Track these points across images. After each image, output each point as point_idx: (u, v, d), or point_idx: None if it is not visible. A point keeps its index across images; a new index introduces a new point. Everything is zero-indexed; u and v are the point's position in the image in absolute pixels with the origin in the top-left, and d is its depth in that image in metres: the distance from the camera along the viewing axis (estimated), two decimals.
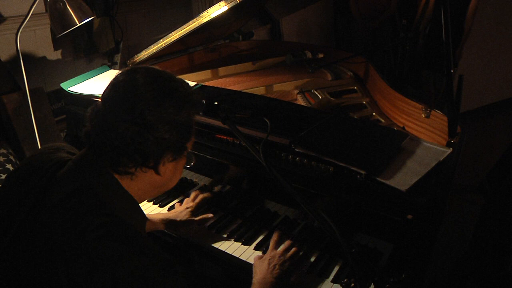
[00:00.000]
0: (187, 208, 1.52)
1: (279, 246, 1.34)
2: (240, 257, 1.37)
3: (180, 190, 1.67)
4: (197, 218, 1.48)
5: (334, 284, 1.26)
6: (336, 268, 1.31)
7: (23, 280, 0.88)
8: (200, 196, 1.55)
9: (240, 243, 1.42)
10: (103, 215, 0.89)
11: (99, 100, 0.96)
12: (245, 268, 1.32)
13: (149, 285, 0.83)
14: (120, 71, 0.99)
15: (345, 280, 1.25)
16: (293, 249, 1.31)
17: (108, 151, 0.92)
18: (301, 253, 1.35)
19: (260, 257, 1.30)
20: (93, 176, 0.94)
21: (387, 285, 1.07)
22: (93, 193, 0.92)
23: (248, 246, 1.41)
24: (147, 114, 0.90)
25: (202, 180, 1.67)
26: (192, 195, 1.57)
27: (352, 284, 1.11)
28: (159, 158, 0.95)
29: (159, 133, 0.92)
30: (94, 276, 0.82)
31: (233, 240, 1.44)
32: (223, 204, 1.59)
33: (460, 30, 3.23)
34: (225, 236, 1.46)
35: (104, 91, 0.96)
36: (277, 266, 1.24)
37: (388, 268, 1.21)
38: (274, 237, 1.36)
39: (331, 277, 1.28)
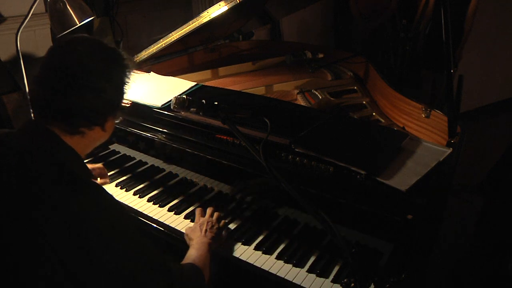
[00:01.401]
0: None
1: (204, 215, 1.48)
2: (240, 257, 1.37)
3: (180, 191, 1.67)
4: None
5: (334, 284, 1.26)
6: (336, 268, 1.31)
7: None
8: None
9: (240, 243, 1.42)
10: (55, 164, 0.99)
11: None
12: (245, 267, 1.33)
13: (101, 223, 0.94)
14: (58, 42, 1.08)
15: (345, 280, 1.24)
16: (216, 214, 1.48)
17: (61, 115, 1.01)
18: (227, 220, 1.50)
19: (190, 227, 1.44)
20: (40, 138, 1.02)
21: (387, 285, 1.06)
22: (42, 152, 1.00)
23: (248, 246, 1.41)
24: (98, 81, 1.02)
25: (202, 180, 1.67)
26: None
27: (352, 284, 1.11)
28: (107, 116, 1.08)
29: (109, 95, 1.04)
30: (55, 217, 0.91)
31: (232, 240, 1.44)
32: (222, 205, 1.59)
33: (460, 30, 3.23)
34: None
35: (47, 61, 1.04)
36: (208, 230, 1.39)
37: (388, 268, 1.21)
38: (198, 209, 1.51)
39: (331, 277, 1.28)
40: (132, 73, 1.12)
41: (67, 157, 1.03)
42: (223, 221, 1.48)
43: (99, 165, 1.77)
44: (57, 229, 0.91)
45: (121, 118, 1.40)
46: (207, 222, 1.43)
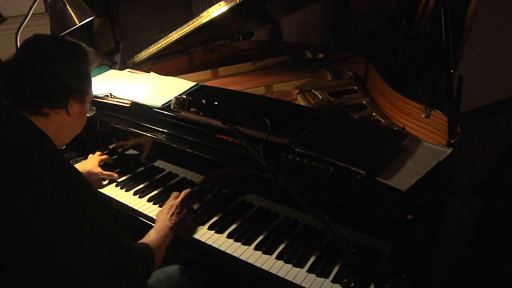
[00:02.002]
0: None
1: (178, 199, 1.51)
2: (240, 257, 1.37)
3: (180, 191, 1.67)
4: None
5: (334, 284, 1.26)
6: (336, 268, 1.31)
7: None
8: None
9: (240, 243, 1.42)
10: (25, 142, 1.13)
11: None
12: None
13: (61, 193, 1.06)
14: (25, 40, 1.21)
15: (345, 280, 1.24)
16: (183, 196, 1.52)
17: (25, 98, 1.15)
18: (196, 206, 1.54)
19: (161, 209, 1.51)
20: (11, 122, 1.17)
21: (387, 285, 1.06)
22: (13, 132, 1.15)
23: (248, 246, 1.41)
24: (57, 67, 1.16)
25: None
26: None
27: (352, 284, 1.11)
28: (68, 99, 1.19)
29: (66, 80, 1.17)
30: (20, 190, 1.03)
31: (232, 240, 1.44)
32: (222, 205, 1.59)
33: (460, 30, 3.23)
34: (225, 236, 1.46)
35: (17, 56, 1.21)
36: (175, 214, 1.45)
37: (388, 268, 1.21)
38: (173, 193, 1.55)
39: (331, 277, 1.28)
40: (91, 63, 1.26)
41: (35, 136, 1.16)
42: (193, 207, 1.52)
43: (98, 169, 1.76)
44: (25, 200, 1.03)
45: (94, 111, 1.51)
46: (176, 206, 1.47)
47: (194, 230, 1.48)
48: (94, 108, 1.51)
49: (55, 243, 1.05)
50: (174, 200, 1.51)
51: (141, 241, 1.33)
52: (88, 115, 1.35)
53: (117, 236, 1.17)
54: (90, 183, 1.25)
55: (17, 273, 1.05)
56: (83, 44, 1.28)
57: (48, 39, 1.23)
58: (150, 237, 1.36)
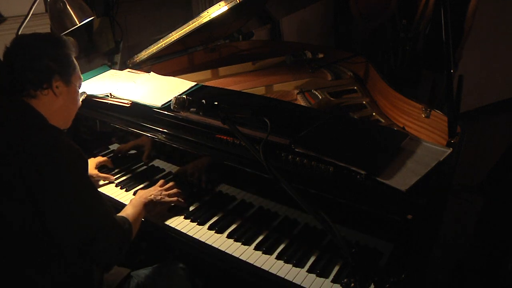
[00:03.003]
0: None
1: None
2: (240, 257, 1.37)
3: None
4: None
5: (334, 284, 1.26)
6: (336, 268, 1.31)
7: None
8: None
9: (240, 243, 1.42)
10: (23, 115, 1.26)
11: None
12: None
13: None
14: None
15: (345, 280, 1.24)
16: (173, 190, 1.61)
17: (13, 83, 1.28)
18: (177, 198, 1.58)
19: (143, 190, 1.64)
20: (6, 103, 1.29)
21: (387, 285, 1.06)
22: (10, 110, 1.27)
23: (248, 246, 1.41)
24: (36, 52, 1.29)
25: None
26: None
27: (352, 284, 1.11)
28: (50, 79, 1.30)
29: (45, 62, 1.29)
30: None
31: (232, 240, 1.44)
32: (222, 205, 1.59)
33: (460, 30, 3.23)
34: (225, 236, 1.46)
35: (5, 52, 1.33)
36: (153, 195, 1.55)
37: (388, 268, 1.21)
38: (161, 180, 1.66)
39: (331, 277, 1.28)
40: (69, 48, 1.37)
41: (30, 112, 1.27)
42: (175, 198, 1.58)
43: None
44: (26, 163, 1.14)
45: (85, 95, 1.64)
46: (160, 192, 1.58)
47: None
48: (85, 92, 1.66)
49: (51, 202, 1.17)
50: (159, 188, 1.60)
51: (119, 214, 1.42)
52: (80, 99, 1.46)
53: (105, 206, 1.29)
54: (87, 161, 1.34)
55: (14, 227, 1.17)
56: (56, 34, 1.51)
57: (28, 35, 1.38)
58: (127, 211, 1.45)
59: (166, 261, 1.59)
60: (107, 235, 1.25)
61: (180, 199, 1.59)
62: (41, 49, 1.31)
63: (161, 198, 1.56)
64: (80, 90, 1.45)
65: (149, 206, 1.53)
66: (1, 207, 1.16)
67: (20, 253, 1.19)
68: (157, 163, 1.81)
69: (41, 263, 1.20)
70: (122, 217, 1.39)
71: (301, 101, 2.07)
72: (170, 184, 1.64)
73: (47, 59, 1.30)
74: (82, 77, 1.45)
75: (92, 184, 1.29)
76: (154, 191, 1.58)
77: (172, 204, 1.59)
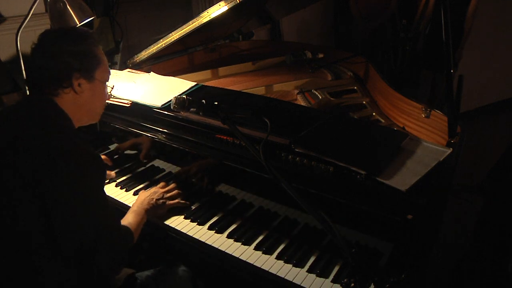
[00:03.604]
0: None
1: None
2: (240, 257, 1.37)
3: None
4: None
5: (334, 284, 1.26)
6: (336, 268, 1.31)
7: None
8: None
9: (240, 243, 1.42)
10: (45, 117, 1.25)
11: None
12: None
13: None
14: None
15: (345, 280, 1.24)
16: (174, 192, 1.60)
17: (37, 81, 1.29)
18: (178, 200, 1.58)
19: (144, 190, 1.64)
20: (35, 101, 1.29)
21: (387, 285, 1.06)
22: (35, 109, 1.27)
23: (248, 246, 1.41)
24: (56, 49, 1.26)
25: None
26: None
27: (352, 284, 1.11)
28: (70, 77, 1.27)
29: (65, 59, 1.26)
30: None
31: (232, 240, 1.44)
32: (222, 205, 1.59)
33: (460, 30, 3.23)
34: (225, 236, 1.46)
35: (31, 49, 1.31)
36: (154, 200, 1.54)
37: (388, 268, 1.21)
38: (162, 182, 1.65)
39: (331, 277, 1.28)
40: (91, 42, 1.33)
41: (53, 110, 1.27)
42: (177, 200, 1.58)
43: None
44: (41, 164, 1.14)
45: (110, 91, 1.56)
46: (159, 193, 1.57)
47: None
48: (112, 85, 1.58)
49: (62, 205, 1.15)
50: (159, 189, 1.59)
51: (122, 223, 1.42)
52: (108, 92, 1.46)
53: (112, 213, 1.29)
54: (104, 169, 1.33)
55: (20, 226, 1.15)
56: (81, 28, 1.44)
57: (51, 31, 1.36)
58: (130, 219, 1.46)
59: (169, 263, 1.59)
60: (110, 248, 1.25)
61: (181, 201, 1.59)
62: (60, 46, 1.27)
63: (162, 202, 1.55)
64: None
65: (150, 211, 1.53)
66: (12, 203, 1.15)
67: (21, 253, 1.18)
68: (157, 163, 1.81)
69: (41, 264, 1.19)
70: (126, 228, 1.39)
71: (301, 101, 2.07)
72: (171, 186, 1.63)
73: (66, 56, 1.27)
74: (110, 70, 1.42)
75: (103, 194, 1.28)
76: (156, 194, 1.57)
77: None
